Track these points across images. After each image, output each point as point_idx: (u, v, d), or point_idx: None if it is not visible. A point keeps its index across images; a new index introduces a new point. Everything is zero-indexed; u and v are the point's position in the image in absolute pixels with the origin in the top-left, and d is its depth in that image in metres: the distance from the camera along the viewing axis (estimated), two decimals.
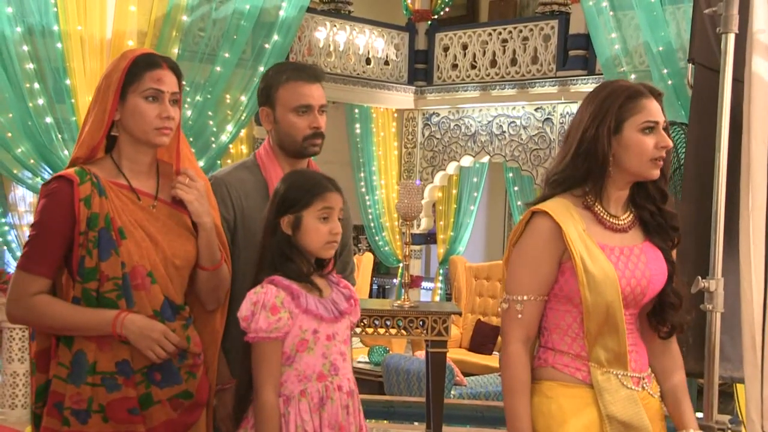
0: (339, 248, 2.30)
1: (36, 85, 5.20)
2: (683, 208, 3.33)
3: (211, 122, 5.98)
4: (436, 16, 10.83)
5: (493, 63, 10.20)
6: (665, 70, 5.04)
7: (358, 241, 12.26)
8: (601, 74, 7.19)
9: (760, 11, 2.86)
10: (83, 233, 2.14)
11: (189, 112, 5.75)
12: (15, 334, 5.63)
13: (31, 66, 5.18)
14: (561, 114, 9.52)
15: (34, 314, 2.17)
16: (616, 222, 2.12)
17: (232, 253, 2.48)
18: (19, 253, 6.05)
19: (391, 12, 11.29)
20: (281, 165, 2.60)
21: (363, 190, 10.56)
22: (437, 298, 11.18)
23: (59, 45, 5.15)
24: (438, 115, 10.73)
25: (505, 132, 10.03)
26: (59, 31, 5.15)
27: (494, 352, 8.93)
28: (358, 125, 10.49)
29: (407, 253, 5.23)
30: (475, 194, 11.12)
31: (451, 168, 10.68)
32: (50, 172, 5.11)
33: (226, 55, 5.85)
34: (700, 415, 3.00)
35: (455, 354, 8.44)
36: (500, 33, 10.18)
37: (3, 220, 6.45)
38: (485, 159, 10.44)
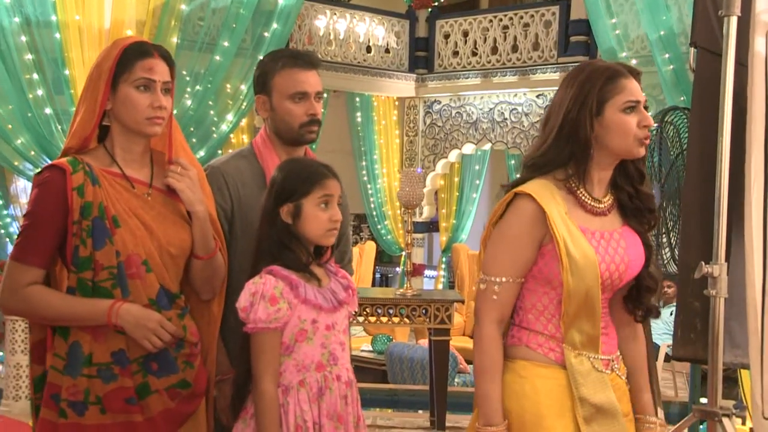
0: (336, 237, 2.29)
1: (35, 76, 5.19)
2: (687, 194, 3.33)
3: (211, 112, 5.97)
4: (436, 3, 10.79)
5: (494, 50, 10.16)
6: (667, 55, 5.03)
7: (360, 230, 12.25)
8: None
9: None
10: (77, 222, 2.13)
11: (189, 102, 5.74)
12: (18, 325, 5.63)
13: (29, 57, 5.17)
14: None
15: (29, 305, 2.15)
16: (597, 205, 2.12)
17: (230, 243, 2.47)
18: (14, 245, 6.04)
19: None
20: (278, 153, 2.58)
21: (365, 178, 10.54)
22: (440, 287, 11.18)
23: (57, 35, 5.15)
24: (439, 102, 10.70)
25: (506, 119, 10.00)
26: (57, 22, 5.13)
27: None
28: (359, 114, 10.46)
29: (410, 242, 5.23)
30: (477, 182, 11.10)
31: (453, 156, 10.65)
32: (49, 163, 5.10)
33: (226, 44, 5.84)
34: (704, 400, 2.99)
35: (458, 342, 8.44)
36: (501, 19, 10.14)
37: (4, 212, 6.46)
38: (487, 146, 10.41)
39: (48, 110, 5.22)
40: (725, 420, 2.85)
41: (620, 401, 2.11)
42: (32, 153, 5.34)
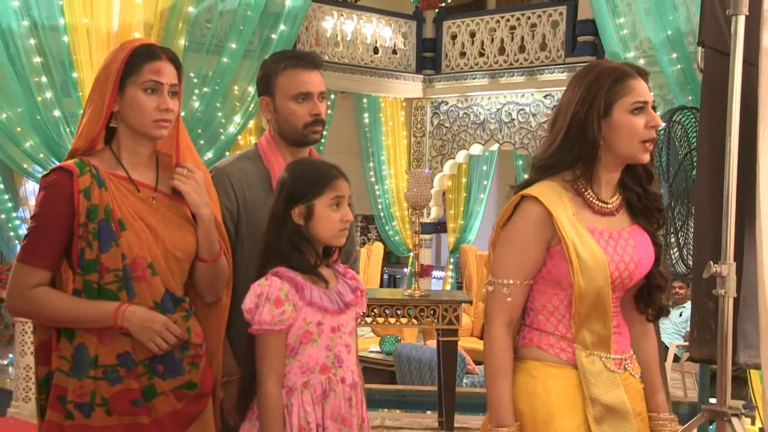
0: None
1: (44, 79, 5.21)
2: (698, 194, 3.32)
3: (219, 114, 5.98)
4: (443, 4, 10.79)
5: (502, 50, 10.15)
6: (674, 55, 5.01)
7: (368, 231, 12.26)
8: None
9: None
10: (83, 225, 2.13)
11: (197, 104, 5.75)
12: (27, 327, 5.65)
13: (38, 60, 5.19)
14: None
15: (34, 307, 2.16)
16: (605, 206, 2.12)
17: (235, 245, 2.47)
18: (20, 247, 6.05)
19: (398, 1, 11.24)
20: (283, 154, 2.59)
21: (372, 179, 10.54)
22: (448, 287, 11.18)
23: (65, 38, 5.16)
24: (447, 103, 10.70)
25: (514, 119, 9.99)
26: (65, 24, 5.15)
27: None
28: (366, 115, 10.46)
29: (417, 243, 5.23)
30: (485, 182, 11.10)
31: (461, 156, 10.65)
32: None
33: (233, 46, 5.84)
34: (713, 400, 2.99)
35: (466, 342, 8.43)
36: (508, 20, 10.13)
37: (14, 215, 6.48)
38: (494, 147, 10.40)
39: (57, 113, 5.24)
40: (734, 420, 2.84)
41: (633, 401, 2.11)
42: (41, 155, 5.36)
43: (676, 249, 3.82)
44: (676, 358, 7.37)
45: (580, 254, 2.02)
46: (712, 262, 2.76)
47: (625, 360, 2.13)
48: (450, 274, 11.35)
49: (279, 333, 2.14)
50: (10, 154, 5.45)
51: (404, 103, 10.85)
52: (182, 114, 2.34)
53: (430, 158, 10.83)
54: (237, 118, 6.05)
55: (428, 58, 10.74)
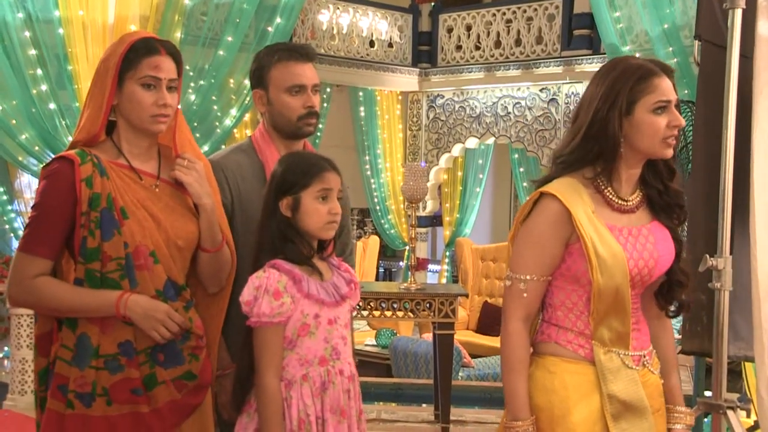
0: (338, 230, 2.30)
1: (39, 72, 5.19)
2: (692, 187, 3.32)
3: (215, 107, 5.97)
4: None
5: (498, 44, 10.14)
6: (670, 48, 5.01)
7: (364, 224, 12.25)
8: (606, 53, 7.15)
9: None
10: (85, 213, 2.13)
11: (193, 97, 5.73)
12: (23, 320, 5.65)
13: (33, 52, 5.17)
14: (566, 94, 9.47)
15: (36, 296, 2.16)
16: (625, 204, 2.11)
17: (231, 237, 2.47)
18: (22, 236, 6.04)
19: None
20: (277, 147, 2.59)
21: (368, 173, 10.53)
22: (444, 281, 11.18)
23: (61, 31, 5.14)
24: (442, 96, 10.69)
25: (510, 113, 9.99)
26: (60, 17, 5.13)
27: None
28: (362, 108, 10.45)
29: (413, 236, 5.23)
30: (481, 176, 11.09)
31: (457, 150, 10.64)
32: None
33: (229, 38, 5.83)
34: (709, 393, 3.00)
35: (462, 336, 8.45)
36: (504, 13, 10.12)
37: (9, 207, 6.47)
38: (490, 140, 10.40)
39: (52, 105, 5.22)
40: (729, 413, 2.85)
41: (651, 397, 2.11)
42: (36, 148, 5.34)
43: None
44: None
45: (599, 252, 2.02)
46: (708, 256, 2.77)
47: (644, 356, 2.13)
48: (446, 267, 11.35)
49: (278, 325, 2.14)
50: (5, 147, 5.43)
51: (400, 97, 10.84)
52: (179, 107, 2.33)
53: (426, 152, 10.83)
54: (233, 111, 6.04)
55: (424, 52, 10.73)
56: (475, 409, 5.77)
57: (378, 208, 10.70)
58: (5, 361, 6.70)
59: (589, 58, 9.09)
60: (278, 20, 6.03)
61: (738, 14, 2.84)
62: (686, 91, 4.73)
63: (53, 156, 5.18)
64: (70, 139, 4.82)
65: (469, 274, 9.40)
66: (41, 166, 5.24)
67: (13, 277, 2.18)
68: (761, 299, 2.82)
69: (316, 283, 2.21)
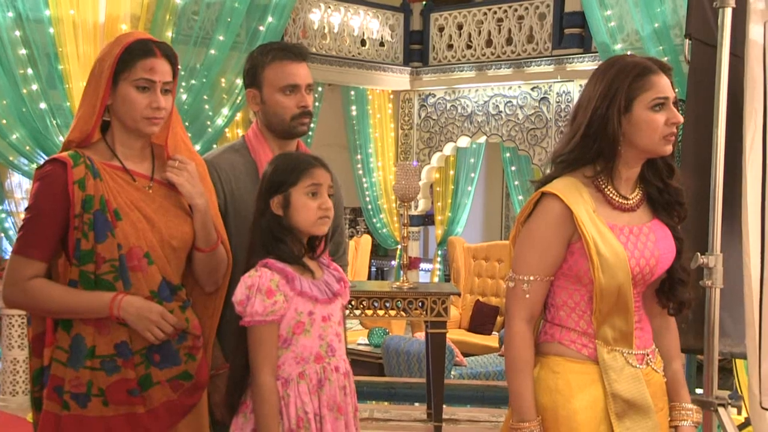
0: (331, 229, 2.30)
1: (29, 71, 5.17)
2: (682, 185, 3.33)
3: (206, 106, 5.96)
4: None
5: (489, 43, 10.15)
6: (661, 47, 5.03)
7: (356, 223, 12.25)
8: (597, 52, 7.17)
9: None
10: (78, 216, 2.14)
11: (184, 96, 5.72)
12: (14, 320, 5.62)
13: (23, 52, 5.15)
14: (557, 93, 9.49)
15: (31, 298, 2.17)
16: (625, 202, 2.11)
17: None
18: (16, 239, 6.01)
19: None
20: (270, 146, 2.58)
21: (360, 172, 10.54)
22: (436, 280, 11.19)
23: (51, 30, 5.12)
24: (434, 95, 10.70)
25: (501, 112, 10.00)
26: (51, 16, 5.11)
27: (494, 332, 8.95)
28: (354, 107, 10.45)
29: (405, 235, 5.23)
30: (473, 175, 11.11)
31: (448, 149, 10.65)
32: (45, 158, 5.09)
33: (221, 38, 5.82)
34: (700, 391, 3.01)
35: (455, 335, 8.46)
36: (495, 12, 10.13)
37: (0, 208, 6.43)
38: (482, 139, 10.42)
39: (43, 105, 5.21)
40: (721, 410, 2.86)
41: (655, 396, 2.11)
42: (27, 148, 5.33)
43: None
44: None
45: (601, 251, 2.02)
46: (699, 254, 2.78)
47: (648, 355, 2.13)
48: (438, 266, 11.37)
49: (271, 324, 2.15)
50: None
51: (392, 96, 10.84)
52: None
53: (417, 151, 10.83)
54: (225, 111, 6.03)
55: (416, 51, 10.74)
56: (467, 407, 5.78)
57: (370, 207, 10.70)
58: None
59: (581, 57, 9.11)
60: (270, 19, 6.03)
61: (728, 13, 2.85)
62: (676, 90, 4.74)
63: (44, 156, 5.18)
64: (62, 138, 4.82)
65: (461, 272, 9.41)
66: (32, 166, 5.26)
67: (8, 279, 2.19)
68: (754, 297, 2.83)
69: (309, 281, 2.22)
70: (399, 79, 10.61)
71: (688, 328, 3.14)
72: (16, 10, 5.09)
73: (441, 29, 10.63)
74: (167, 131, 2.29)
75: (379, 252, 12.27)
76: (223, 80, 6.03)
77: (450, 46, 10.52)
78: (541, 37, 9.65)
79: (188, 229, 2.27)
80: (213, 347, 2.42)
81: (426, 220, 11.73)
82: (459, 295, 7.94)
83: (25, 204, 2.23)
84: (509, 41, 9.96)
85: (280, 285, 2.15)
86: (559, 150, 2.13)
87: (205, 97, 5.93)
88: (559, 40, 9.44)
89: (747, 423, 3.74)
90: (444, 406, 4.90)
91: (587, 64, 8.84)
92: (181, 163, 2.27)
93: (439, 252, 11.31)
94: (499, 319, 9.05)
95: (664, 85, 2.06)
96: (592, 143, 2.06)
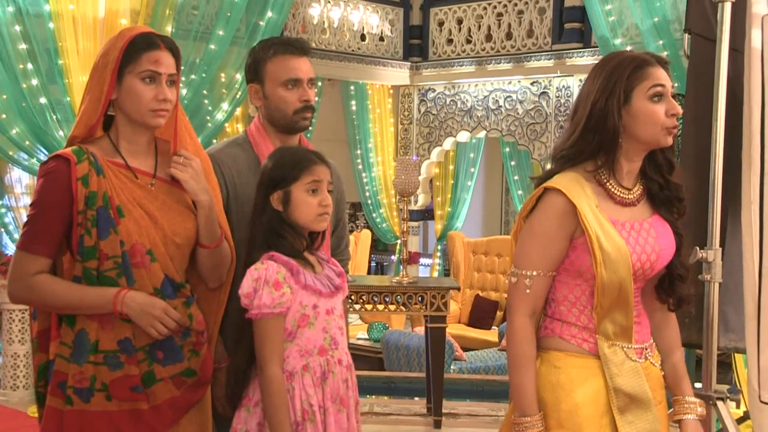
0: (333, 223, 2.31)
1: (29, 66, 5.17)
2: (681, 180, 3.34)
3: (206, 101, 5.96)
4: None
5: (489, 37, 10.14)
6: (660, 42, 5.03)
7: (356, 218, 12.25)
8: (597, 47, 7.17)
9: None
10: (81, 212, 2.14)
11: (184, 91, 5.72)
12: (15, 315, 5.63)
13: (23, 46, 5.15)
14: (557, 88, 9.49)
15: (35, 294, 2.17)
16: (627, 197, 2.12)
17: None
18: (16, 235, 6.04)
19: None
20: (272, 141, 2.59)
21: (360, 167, 10.54)
22: (435, 274, 11.19)
23: (51, 25, 5.12)
24: (434, 90, 10.69)
25: (501, 107, 10.00)
26: (51, 11, 5.11)
27: (493, 327, 8.96)
28: (353, 102, 10.45)
29: (405, 230, 5.23)
30: (472, 170, 11.10)
31: (448, 144, 10.65)
32: (46, 153, 5.10)
33: (221, 32, 5.82)
34: (699, 385, 3.02)
35: (454, 329, 8.47)
36: (495, 7, 10.12)
37: (0, 203, 6.44)
38: (482, 134, 10.41)
39: (43, 100, 5.21)
40: (720, 403, 2.88)
41: (653, 389, 2.12)
42: (27, 143, 5.33)
43: None
44: None
45: (603, 246, 2.02)
46: (698, 248, 2.78)
47: (646, 349, 2.14)
48: (437, 261, 11.37)
49: (278, 316, 2.15)
50: None
51: (391, 91, 10.84)
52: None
53: (417, 145, 10.83)
54: (224, 106, 6.03)
55: (415, 45, 10.72)
56: (467, 402, 5.80)
57: (370, 202, 10.70)
58: None
59: (580, 52, 9.10)
60: (269, 14, 6.02)
61: (727, 8, 2.85)
62: (676, 84, 4.74)
63: (44, 151, 5.17)
64: (62, 133, 4.82)
65: (461, 267, 9.42)
66: (32, 161, 5.26)
67: (12, 274, 2.20)
68: (754, 291, 2.84)
69: (312, 275, 2.23)
70: (399, 73, 10.60)
71: (691, 323, 3.15)
72: (15, 4, 5.09)
73: (441, 24, 10.62)
74: (173, 126, 2.29)
75: (379, 247, 12.27)
76: (222, 75, 6.03)
77: (450, 41, 10.51)
78: (541, 32, 9.64)
79: (191, 225, 2.28)
80: (216, 341, 2.42)
81: (426, 214, 11.73)
82: (458, 289, 7.95)
83: (26, 199, 2.24)
84: (509, 36, 9.95)
85: (286, 277, 2.16)
86: (559, 145, 2.14)
87: (204, 92, 5.93)
88: (558, 34, 9.43)
89: (745, 417, 3.75)
90: (443, 400, 4.92)
91: (587, 59, 8.83)
92: (185, 159, 2.27)
93: (439, 247, 11.31)
94: (498, 313, 9.06)
95: (662, 76, 2.08)
96: (592, 137, 2.07)
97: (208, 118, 6.02)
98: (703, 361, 2.91)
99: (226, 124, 6.65)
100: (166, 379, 2.20)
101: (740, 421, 3.74)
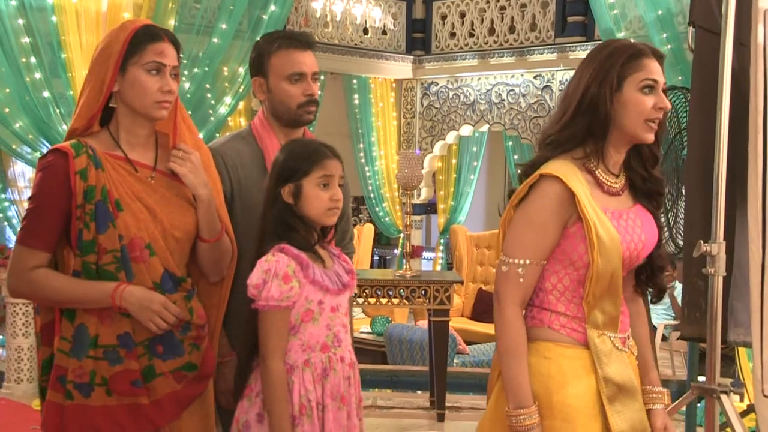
0: (338, 217, 2.31)
1: (32, 60, 5.18)
2: (688, 174, 3.34)
3: (209, 95, 5.97)
4: None
5: (492, 31, 10.12)
6: (664, 35, 5.03)
7: (359, 212, 12.25)
8: (600, 40, 7.15)
9: None
10: (80, 206, 2.14)
11: (187, 85, 5.73)
12: (18, 309, 5.64)
13: (26, 40, 5.16)
14: (560, 81, 9.46)
15: (34, 288, 2.17)
16: (614, 185, 2.12)
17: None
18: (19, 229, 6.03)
19: None
20: (276, 135, 2.59)
21: (362, 161, 10.53)
22: (438, 268, 11.20)
23: (54, 18, 5.13)
24: (436, 84, 10.67)
25: (504, 100, 9.99)
26: (53, 4, 5.12)
27: None
28: (356, 96, 10.44)
29: (408, 223, 5.23)
30: (475, 163, 11.09)
31: (451, 137, 10.64)
32: (48, 146, 5.10)
33: (223, 26, 5.82)
34: (702, 378, 3.02)
35: (457, 323, 8.47)
36: (498, 0, 10.10)
37: (3, 196, 6.45)
38: (484, 128, 10.39)
39: (46, 93, 5.22)
40: (723, 397, 2.87)
41: (635, 377, 2.13)
42: (30, 136, 5.34)
43: (666, 229, 3.85)
44: (664, 337, 7.44)
45: (600, 234, 2.01)
46: (702, 242, 2.78)
47: (628, 338, 2.15)
48: (440, 254, 11.37)
49: (285, 309, 2.15)
50: None
51: (394, 84, 10.82)
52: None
53: (420, 139, 10.82)
54: (227, 100, 6.04)
55: (418, 39, 10.70)
56: (470, 395, 5.80)
57: (372, 195, 10.70)
58: (0, 350, 6.70)
59: (583, 45, 9.08)
60: (272, 8, 6.02)
61: (732, 0, 2.84)
62: (680, 78, 4.74)
63: (47, 144, 5.18)
64: (65, 127, 4.83)
65: (464, 261, 9.42)
66: (35, 154, 5.26)
67: (12, 268, 2.20)
68: (758, 284, 2.84)
69: (321, 270, 2.22)
70: (401, 67, 10.59)
71: (702, 317, 3.14)
72: None
73: (443, 17, 10.60)
74: (173, 119, 2.29)
75: (382, 240, 12.27)
76: (225, 69, 6.03)
77: (452, 35, 10.49)
78: (544, 25, 9.61)
79: (191, 219, 2.27)
80: (219, 335, 2.42)
81: (428, 208, 11.72)
82: (461, 283, 7.95)
83: (28, 193, 2.24)
84: (512, 29, 9.93)
85: (296, 271, 2.16)
86: (548, 129, 2.12)
87: (207, 85, 5.93)
88: (562, 28, 9.41)
89: (749, 410, 3.75)
90: (446, 393, 4.92)
91: None
92: (184, 153, 2.26)
93: (442, 240, 11.31)
94: None
95: (655, 69, 2.07)
96: (583, 122, 2.06)
97: (211, 111, 6.03)
98: (707, 355, 2.90)
99: (229, 118, 6.66)
100: (166, 374, 2.20)
101: (744, 414, 3.74)
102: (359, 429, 2.30)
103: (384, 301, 4.92)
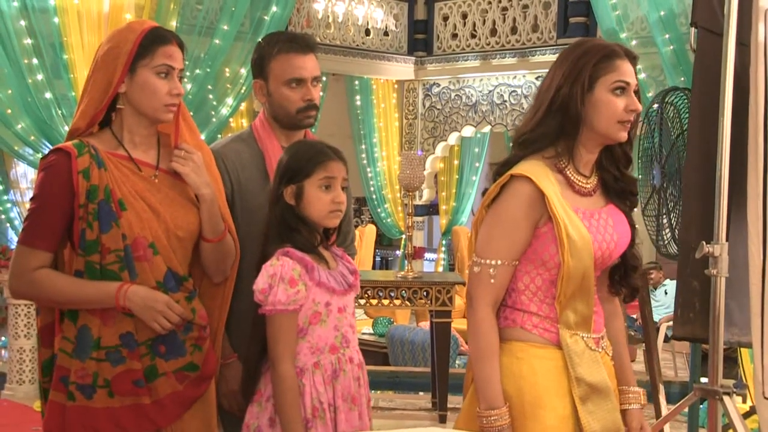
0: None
1: (35, 61, 5.19)
2: (688, 175, 3.33)
3: (210, 96, 5.98)
4: None
5: (493, 32, 10.12)
6: (667, 35, 5.02)
7: (361, 213, 12.25)
8: None
9: None
10: (83, 206, 2.13)
11: (189, 86, 5.73)
12: (21, 310, 5.65)
13: (28, 41, 5.17)
14: None
15: (37, 288, 2.16)
16: (584, 185, 2.12)
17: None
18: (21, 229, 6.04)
19: None
20: (277, 137, 2.57)
21: (364, 162, 10.53)
22: (440, 269, 11.20)
23: (56, 20, 5.14)
24: (438, 85, 10.68)
25: (506, 101, 9.99)
26: (55, 6, 5.12)
27: None
28: (358, 97, 10.44)
29: (410, 225, 5.23)
30: (477, 164, 11.10)
31: (453, 138, 10.64)
32: (51, 147, 5.11)
33: (225, 27, 5.83)
34: (705, 380, 3.01)
35: (459, 324, 8.45)
36: (500, 1, 10.10)
37: (5, 197, 6.46)
38: (486, 129, 10.40)
39: (48, 95, 5.22)
40: (726, 398, 2.86)
41: (609, 377, 2.13)
42: (32, 138, 5.34)
43: (668, 230, 3.83)
44: (667, 338, 7.42)
45: (570, 234, 2.02)
46: (704, 243, 2.77)
47: (602, 339, 2.15)
48: (442, 256, 11.37)
49: (292, 313, 2.14)
50: (1, 137, 5.43)
51: (396, 85, 10.82)
52: None
53: (422, 140, 10.82)
54: (229, 101, 6.04)
55: (420, 40, 10.71)
56: None
57: (374, 197, 10.70)
58: (2, 351, 6.71)
59: None
60: (274, 9, 6.03)
61: (734, 1, 2.84)
62: (682, 78, 4.74)
63: (49, 145, 5.19)
64: (67, 128, 4.83)
65: (466, 262, 9.37)
66: (37, 155, 5.27)
67: (14, 269, 2.19)
68: (759, 286, 2.83)
69: (326, 272, 2.21)
70: (403, 68, 10.59)
71: (695, 317, 3.14)
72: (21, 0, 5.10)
73: (445, 18, 10.60)
74: (175, 119, 2.29)
75: (384, 242, 12.27)
76: (227, 70, 6.04)
77: (454, 36, 10.50)
78: (546, 26, 9.62)
79: (194, 219, 2.26)
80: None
81: (430, 209, 11.72)
82: (463, 284, 7.93)
83: (31, 194, 2.24)
84: (514, 30, 9.93)
85: (301, 274, 2.15)
86: (521, 128, 2.13)
87: (209, 87, 5.94)
88: (564, 29, 9.41)
89: (752, 412, 3.74)
90: (449, 395, 4.92)
91: None
92: (186, 153, 2.26)
93: (444, 242, 11.31)
94: None
95: (628, 71, 2.07)
96: (554, 121, 2.06)
97: (213, 113, 6.03)
98: (709, 356, 2.90)
99: (231, 119, 6.66)
100: (168, 374, 2.19)
101: (746, 416, 3.74)
102: (370, 428, 2.30)
103: (386, 302, 4.92)
